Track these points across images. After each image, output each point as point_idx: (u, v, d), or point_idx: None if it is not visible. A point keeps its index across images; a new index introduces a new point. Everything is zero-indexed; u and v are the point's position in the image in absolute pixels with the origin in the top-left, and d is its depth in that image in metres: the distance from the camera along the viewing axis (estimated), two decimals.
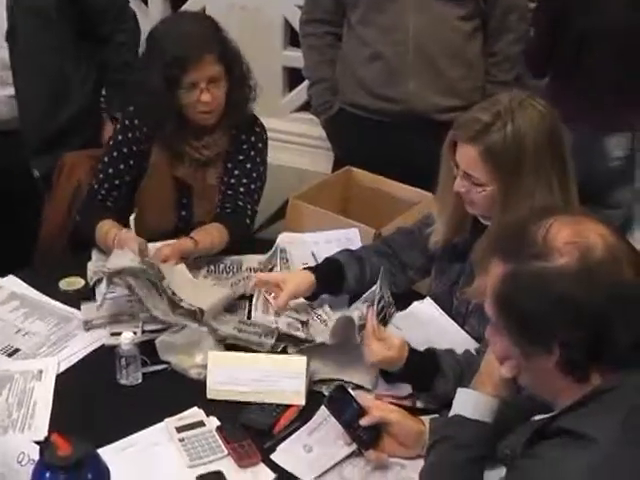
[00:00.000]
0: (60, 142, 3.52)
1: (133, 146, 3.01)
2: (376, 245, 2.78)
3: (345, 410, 2.11)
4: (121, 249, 2.66)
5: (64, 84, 3.49)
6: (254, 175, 3.07)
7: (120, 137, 3.02)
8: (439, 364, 2.27)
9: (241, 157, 3.05)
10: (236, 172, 3.05)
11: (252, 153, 3.07)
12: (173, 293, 2.55)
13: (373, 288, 2.47)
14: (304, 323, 2.57)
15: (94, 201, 3.04)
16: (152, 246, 2.81)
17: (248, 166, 3.05)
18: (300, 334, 2.50)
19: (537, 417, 1.75)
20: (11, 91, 3.36)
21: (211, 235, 2.90)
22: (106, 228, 2.88)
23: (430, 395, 2.28)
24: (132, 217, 3.02)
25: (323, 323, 2.57)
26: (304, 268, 2.67)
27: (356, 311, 2.39)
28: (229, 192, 3.04)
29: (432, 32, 3.39)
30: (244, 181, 3.05)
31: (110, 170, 3.02)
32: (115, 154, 3.02)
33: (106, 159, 3.03)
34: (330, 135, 3.88)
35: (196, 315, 2.52)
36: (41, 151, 3.49)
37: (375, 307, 2.38)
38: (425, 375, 2.27)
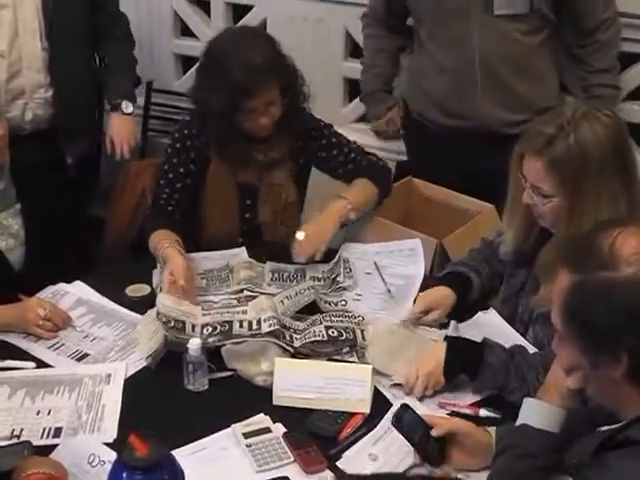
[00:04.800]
0: (91, 127, 3.84)
1: (192, 153, 3.05)
2: (473, 255, 2.82)
3: (414, 430, 2.11)
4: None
5: (91, 73, 3.72)
6: (344, 140, 3.19)
7: (179, 145, 3.06)
8: (484, 341, 2.39)
9: (323, 141, 3.15)
10: (334, 152, 3.15)
11: (326, 132, 3.17)
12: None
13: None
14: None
15: (156, 206, 3.08)
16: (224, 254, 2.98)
17: (334, 140, 3.17)
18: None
19: (603, 428, 1.76)
20: (49, 93, 3.50)
21: (363, 191, 3.00)
22: (157, 239, 2.91)
23: (485, 371, 2.34)
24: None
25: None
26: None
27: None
28: (349, 167, 3.16)
29: (496, 48, 3.36)
30: (346, 149, 3.17)
31: (171, 175, 3.06)
32: (175, 160, 3.06)
33: (166, 166, 3.07)
34: (405, 140, 3.97)
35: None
36: (74, 138, 3.63)
37: None
38: (473, 350, 2.37)
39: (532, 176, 2.33)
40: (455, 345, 2.42)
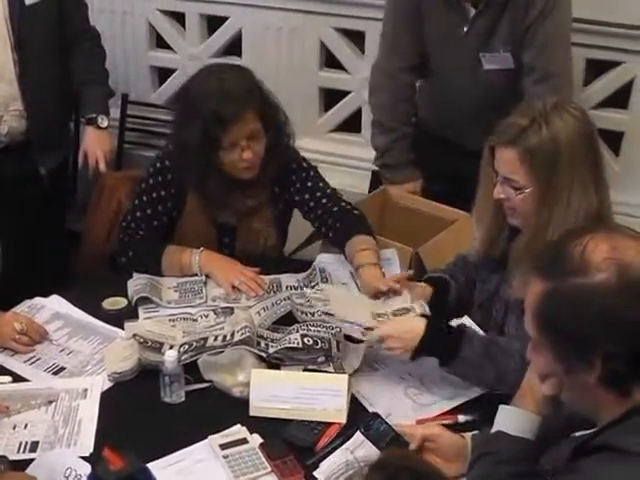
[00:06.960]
0: (65, 140, 3.82)
1: (171, 189, 3.01)
2: (447, 265, 2.81)
3: (381, 438, 2.14)
4: None
5: (63, 86, 3.66)
6: (321, 184, 3.11)
7: (160, 178, 3.01)
8: (463, 329, 2.40)
9: (297, 185, 3.08)
10: (306, 196, 3.08)
11: (304, 174, 3.10)
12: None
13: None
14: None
15: (134, 237, 3.04)
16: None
17: (309, 184, 3.09)
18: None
19: (578, 433, 1.76)
20: (24, 105, 3.47)
21: (374, 248, 2.92)
22: (177, 255, 2.97)
23: (458, 363, 2.35)
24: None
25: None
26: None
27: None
28: (319, 212, 3.07)
29: (484, 96, 3.35)
30: (318, 194, 3.08)
31: (149, 211, 3.02)
32: (154, 195, 3.01)
33: (144, 198, 3.02)
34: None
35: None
36: (48, 150, 3.62)
37: None
38: (451, 339, 2.36)
39: (504, 168, 2.35)
40: (436, 328, 2.39)
